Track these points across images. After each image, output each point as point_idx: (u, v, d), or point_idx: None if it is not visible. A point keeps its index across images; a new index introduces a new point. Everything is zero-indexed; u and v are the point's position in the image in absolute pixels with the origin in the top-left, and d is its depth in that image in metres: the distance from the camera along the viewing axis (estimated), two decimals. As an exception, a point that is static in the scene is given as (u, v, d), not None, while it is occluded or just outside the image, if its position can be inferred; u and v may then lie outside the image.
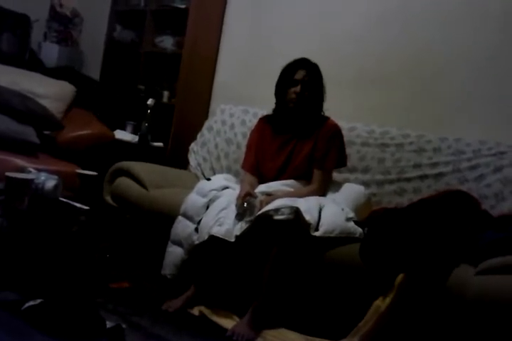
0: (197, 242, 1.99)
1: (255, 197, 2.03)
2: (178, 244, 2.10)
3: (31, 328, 1.53)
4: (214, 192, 2.12)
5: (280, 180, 2.19)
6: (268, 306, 1.88)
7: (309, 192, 2.11)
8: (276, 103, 2.26)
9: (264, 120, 2.34)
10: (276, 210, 1.87)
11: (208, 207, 2.07)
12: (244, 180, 2.24)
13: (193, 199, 2.14)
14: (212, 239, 1.93)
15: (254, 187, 2.15)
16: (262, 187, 2.14)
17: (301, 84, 2.12)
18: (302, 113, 2.18)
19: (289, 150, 2.20)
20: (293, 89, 2.13)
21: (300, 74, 2.13)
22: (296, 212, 1.85)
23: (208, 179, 2.33)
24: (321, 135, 2.16)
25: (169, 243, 2.14)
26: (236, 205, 1.99)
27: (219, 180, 2.28)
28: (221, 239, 1.90)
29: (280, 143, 2.23)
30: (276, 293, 1.88)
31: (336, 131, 2.22)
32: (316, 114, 2.22)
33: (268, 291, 1.87)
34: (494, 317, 1.50)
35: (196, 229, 2.03)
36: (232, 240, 1.89)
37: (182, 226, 2.10)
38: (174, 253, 2.11)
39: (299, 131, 2.20)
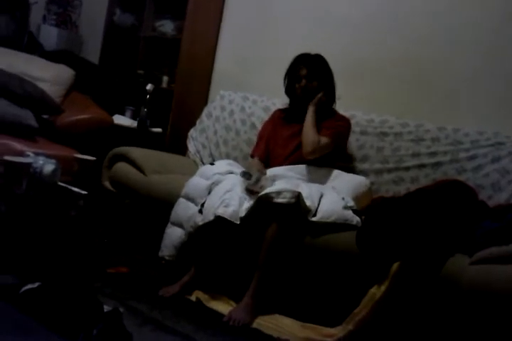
0: (201, 223, 1.98)
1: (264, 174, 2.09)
2: (178, 225, 2.11)
3: (32, 321, 1.53)
4: (218, 175, 2.13)
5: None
6: (264, 290, 1.89)
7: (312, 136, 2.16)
8: (289, 99, 2.39)
9: (280, 111, 2.45)
10: (278, 193, 1.89)
11: (210, 191, 2.07)
12: (252, 164, 2.30)
13: (196, 182, 2.15)
14: (217, 220, 1.93)
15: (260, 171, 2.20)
16: (267, 172, 2.17)
17: (304, 78, 2.24)
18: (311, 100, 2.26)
19: (299, 139, 2.24)
20: (298, 85, 2.26)
21: (302, 71, 2.26)
22: (298, 197, 1.87)
23: (212, 163, 2.33)
24: (331, 121, 2.28)
25: (168, 224, 2.14)
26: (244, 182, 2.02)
27: (222, 165, 2.29)
28: (225, 220, 1.91)
29: (291, 132, 2.30)
30: (272, 275, 1.90)
31: (345, 120, 2.34)
32: (326, 101, 2.29)
33: (264, 273, 1.88)
34: (487, 305, 1.52)
35: (200, 211, 2.03)
36: (238, 222, 1.91)
37: (183, 208, 2.11)
38: (173, 234, 2.11)
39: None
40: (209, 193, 2.06)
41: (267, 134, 2.40)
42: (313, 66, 2.26)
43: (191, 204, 2.09)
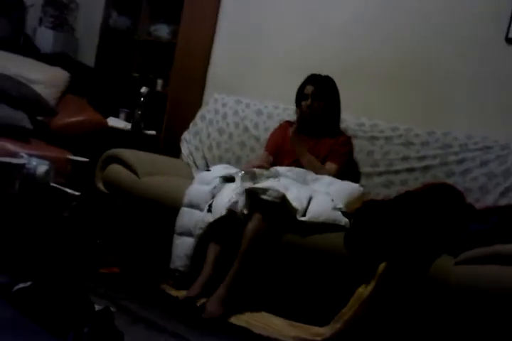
0: (212, 220, 2.00)
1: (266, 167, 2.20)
2: (187, 234, 2.10)
3: (23, 318, 1.54)
4: (218, 179, 2.16)
5: None
6: (240, 282, 1.89)
7: (325, 168, 2.31)
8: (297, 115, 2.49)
9: (288, 124, 2.53)
10: (264, 190, 1.93)
11: (213, 195, 2.11)
12: (260, 158, 2.46)
13: (197, 189, 2.17)
14: (228, 216, 1.97)
15: (267, 163, 2.34)
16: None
17: (311, 97, 2.38)
18: (318, 120, 2.42)
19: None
20: (304, 103, 2.40)
21: (309, 89, 2.40)
22: (283, 198, 1.90)
23: (208, 170, 2.35)
24: (339, 140, 2.41)
25: (175, 236, 2.12)
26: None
27: (219, 168, 2.31)
28: (234, 218, 1.95)
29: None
30: (250, 268, 1.91)
31: (349, 140, 2.46)
32: (332, 119, 2.44)
33: (242, 265, 1.90)
34: (472, 304, 1.55)
35: (209, 211, 2.05)
36: (242, 218, 1.95)
37: (188, 216, 2.12)
38: (184, 244, 2.09)
39: (317, 134, 2.42)
40: (213, 197, 2.10)
41: (276, 137, 2.52)
42: (320, 86, 2.39)
43: (196, 211, 2.11)
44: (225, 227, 2.01)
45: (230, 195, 2.01)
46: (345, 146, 2.41)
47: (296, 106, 2.47)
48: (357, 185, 2.27)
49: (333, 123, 2.46)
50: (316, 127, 2.44)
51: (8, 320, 1.56)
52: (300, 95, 2.44)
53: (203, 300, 1.88)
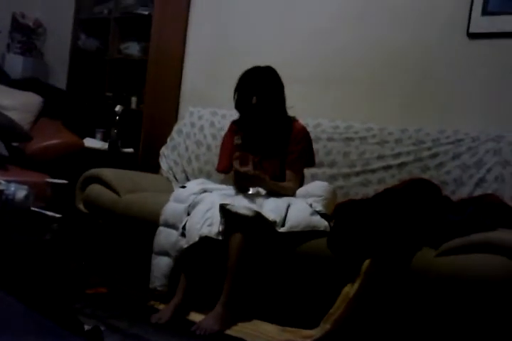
0: (186, 246, 1.97)
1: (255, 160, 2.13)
2: (164, 254, 2.09)
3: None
4: (193, 196, 2.12)
5: None
6: (235, 298, 1.89)
7: (287, 187, 2.19)
8: (239, 112, 2.34)
9: (236, 123, 2.43)
10: (238, 207, 1.93)
11: (188, 213, 2.08)
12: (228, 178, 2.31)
13: (172, 207, 2.14)
14: (202, 240, 1.93)
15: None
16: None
17: (254, 94, 2.19)
18: (264, 117, 2.25)
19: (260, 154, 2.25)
20: (249, 100, 2.20)
21: (252, 87, 2.21)
22: (257, 212, 1.90)
23: (183, 186, 2.30)
24: (291, 139, 2.25)
25: (153, 255, 2.11)
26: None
27: (194, 185, 2.27)
28: (211, 239, 1.91)
29: (250, 146, 2.27)
30: (241, 284, 1.91)
31: (304, 133, 2.31)
32: (280, 115, 2.28)
33: (233, 282, 1.89)
34: (453, 293, 1.58)
35: (182, 234, 2.03)
36: (221, 238, 1.91)
37: (165, 236, 2.10)
38: (161, 263, 2.08)
39: (267, 135, 2.27)
40: (188, 215, 2.07)
41: (228, 147, 2.38)
42: (262, 80, 2.22)
43: (172, 231, 2.09)
44: (202, 250, 1.98)
45: (202, 218, 1.97)
46: (299, 145, 2.24)
47: (237, 106, 2.29)
48: (326, 182, 2.25)
49: (280, 115, 2.28)
50: (264, 127, 2.28)
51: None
52: (241, 93, 2.24)
53: None
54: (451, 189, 2.17)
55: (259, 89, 2.20)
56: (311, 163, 2.35)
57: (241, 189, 2.15)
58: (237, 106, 2.31)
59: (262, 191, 2.17)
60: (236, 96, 2.28)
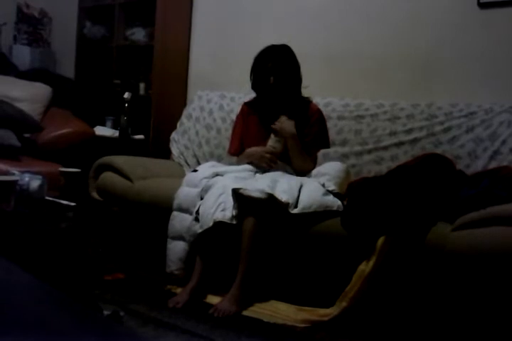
0: (200, 231, 1.97)
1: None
2: (179, 238, 2.09)
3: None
4: (205, 180, 2.12)
5: None
6: (250, 281, 1.90)
7: (308, 161, 2.24)
8: (256, 92, 2.33)
9: (249, 105, 2.41)
10: (250, 191, 1.92)
11: (201, 197, 2.08)
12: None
13: (185, 192, 2.15)
14: (216, 224, 1.93)
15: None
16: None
17: (272, 74, 2.18)
18: (282, 97, 2.24)
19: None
20: (266, 80, 2.19)
21: (269, 67, 2.19)
22: (270, 194, 1.89)
23: (195, 170, 2.31)
24: (307, 120, 2.24)
25: (168, 240, 2.12)
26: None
27: (206, 168, 2.27)
28: (224, 223, 1.91)
29: (266, 127, 2.27)
30: (255, 266, 1.91)
31: (319, 115, 2.30)
32: (295, 95, 2.27)
33: (247, 265, 1.89)
34: (471, 268, 1.57)
35: (196, 219, 2.03)
36: (235, 222, 1.92)
37: (179, 221, 2.11)
38: (176, 248, 2.09)
39: (283, 113, 2.24)
40: (201, 199, 2.07)
41: (239, 129, 2.39)
42: (279, 58, 2.20)
43: (186, 215, 2.09)
44: (216, 234, 1.98)
45: (215, 203, 1.96)
46: (314, 127, 2.25)
47: (254, 85, 2.27)
48: (339, 162, 2.24)
49: (297, 95, 2.27)
50: (280, 107, 2.25)
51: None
52: (258, 72, 2.23)
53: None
54: (466, 163, 2.13)
55: (277, 69, 2.18)
56: (326, 145, 2.34)
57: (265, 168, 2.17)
58: (254, 87, 2.29)
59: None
60: (252, 77, 2.26)
